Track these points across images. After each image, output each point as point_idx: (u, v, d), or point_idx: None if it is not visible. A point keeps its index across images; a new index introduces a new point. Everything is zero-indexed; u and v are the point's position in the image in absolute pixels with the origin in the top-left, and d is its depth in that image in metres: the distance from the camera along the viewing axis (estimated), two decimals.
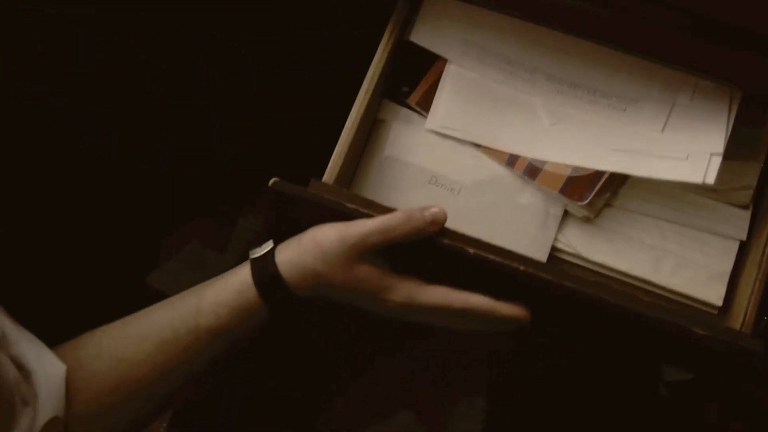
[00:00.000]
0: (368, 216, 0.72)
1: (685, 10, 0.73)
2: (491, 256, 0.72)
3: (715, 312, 0.78)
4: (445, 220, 0.72)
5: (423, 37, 0.83)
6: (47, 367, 0.72)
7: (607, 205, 0.81)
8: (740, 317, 0.75)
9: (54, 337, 0.75)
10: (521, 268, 0.72)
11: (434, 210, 0.72)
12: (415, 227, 0.71)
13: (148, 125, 0.88)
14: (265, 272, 0.73)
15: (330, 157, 0.77)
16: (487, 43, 0.83)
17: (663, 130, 0.79)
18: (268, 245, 0.74)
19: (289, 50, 0.87)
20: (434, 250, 0.73)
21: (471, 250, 0.72)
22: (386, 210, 0.73)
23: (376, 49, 0.80)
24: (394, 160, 0.83)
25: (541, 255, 0.80)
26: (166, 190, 0.91)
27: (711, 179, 0.76)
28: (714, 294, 0.78)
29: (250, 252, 0.74)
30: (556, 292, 0.72)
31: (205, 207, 0.92)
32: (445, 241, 0.72)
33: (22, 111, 0.85)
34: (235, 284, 0.73)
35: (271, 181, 0.73)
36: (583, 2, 0.76)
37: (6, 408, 0.68)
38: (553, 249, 0.80)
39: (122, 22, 0.85)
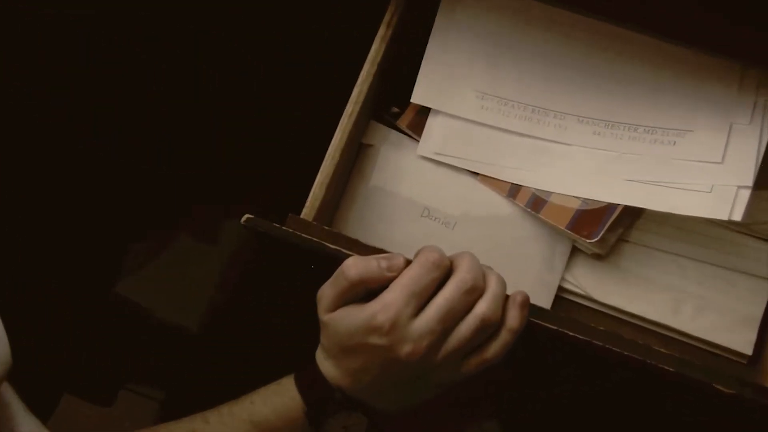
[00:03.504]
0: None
1: None
2: None
3: (745, 362, 0.70)
4: (402, 264, 0.62)
5: (427, 94, 0.73)
6: None
7: (621, 240, 0.72)
8: None
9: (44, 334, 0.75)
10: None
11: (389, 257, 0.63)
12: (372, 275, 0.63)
13: (148, 125, 0.88)
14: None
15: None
16: (505, 92, 0.72)
17: (723, 159, 0.68)
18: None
19: (289, 50, 0.87)
20: None
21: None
22: (372, 250, 0.64)
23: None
24: (383, 191, 0.74)
25: (546, 297, 0.72)
26: (166, 189, 0.91)
27: (738, 215, 0.66)
28: (743, 341, 0.70)
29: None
30: (562, 341, 0.64)
31: (204, 206, 0.92)
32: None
33: (22, 111, 0.86)
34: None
35: (244, 218, 0.66)
36: None
37: None
38: (560, 290, 0.72)
39: (122, 22, 0.85)
